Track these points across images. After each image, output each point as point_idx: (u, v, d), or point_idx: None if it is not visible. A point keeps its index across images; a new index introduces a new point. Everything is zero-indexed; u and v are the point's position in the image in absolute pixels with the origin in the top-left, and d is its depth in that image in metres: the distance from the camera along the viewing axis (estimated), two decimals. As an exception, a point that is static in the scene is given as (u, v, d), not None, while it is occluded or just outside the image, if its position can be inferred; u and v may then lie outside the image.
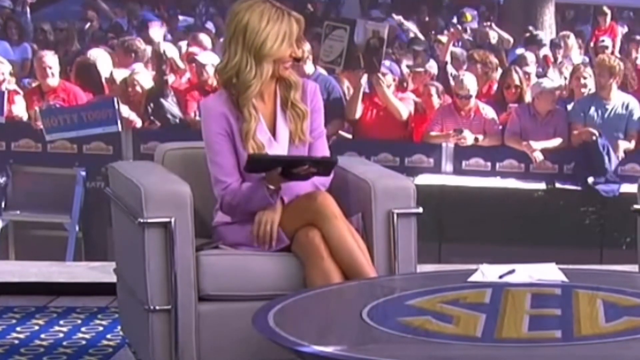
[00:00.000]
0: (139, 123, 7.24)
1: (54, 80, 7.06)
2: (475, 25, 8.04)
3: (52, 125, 6.83)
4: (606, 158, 7.02)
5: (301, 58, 3.96)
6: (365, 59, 6.89)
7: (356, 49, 6.93)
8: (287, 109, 3.93)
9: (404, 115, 7.26)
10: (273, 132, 3.93)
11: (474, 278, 3.50)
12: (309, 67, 7.20)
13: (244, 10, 3.82)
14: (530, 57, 7.96)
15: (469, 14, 7.95)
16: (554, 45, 8.35)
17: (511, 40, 8.32)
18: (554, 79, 7.75)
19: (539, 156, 7.13)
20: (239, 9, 3.84)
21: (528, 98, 7.41)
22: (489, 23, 8.33)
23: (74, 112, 6.92)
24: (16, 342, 4.62)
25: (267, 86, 3.91)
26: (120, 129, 6.79)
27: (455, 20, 8.40)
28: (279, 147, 3.90)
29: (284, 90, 3.93)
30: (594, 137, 7.05)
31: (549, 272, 3.53)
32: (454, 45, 7.90)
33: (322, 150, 4.00)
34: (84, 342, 4.62)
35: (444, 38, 8.10)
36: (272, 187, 3.82)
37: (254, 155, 3.81)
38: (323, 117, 4.04)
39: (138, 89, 7.37)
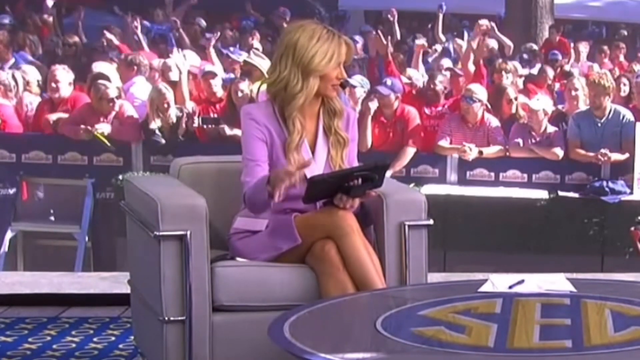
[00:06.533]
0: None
1: (65, 93, 7.06)
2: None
3: None
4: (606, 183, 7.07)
5: (346, 83, 4.05)
6: None
7: None
8: (330, 134, 4.02)
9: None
10: (312, 153, 4.00)
11: (484, 288, 3.55)
12: None
13: (296, 29, 3.98)
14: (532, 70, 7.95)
15: None
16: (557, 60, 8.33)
17: (511, 45, 8.25)
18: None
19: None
20: (292, 28, 4.01)
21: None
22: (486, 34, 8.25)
23: None
24: (28, 352, 4.65)
25: (311, 106, 4.01)
26: None
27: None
28: (316, 169, 3.95)
29: (328, 116, 4.03)
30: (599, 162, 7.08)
31: (557, 283, 3.58)
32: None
33: None
34: (96, 352, 4.66)
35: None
36: (270, 189, 3.76)
37: (313, 178, 3.81)
38: (357, 146, 4.15)
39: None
